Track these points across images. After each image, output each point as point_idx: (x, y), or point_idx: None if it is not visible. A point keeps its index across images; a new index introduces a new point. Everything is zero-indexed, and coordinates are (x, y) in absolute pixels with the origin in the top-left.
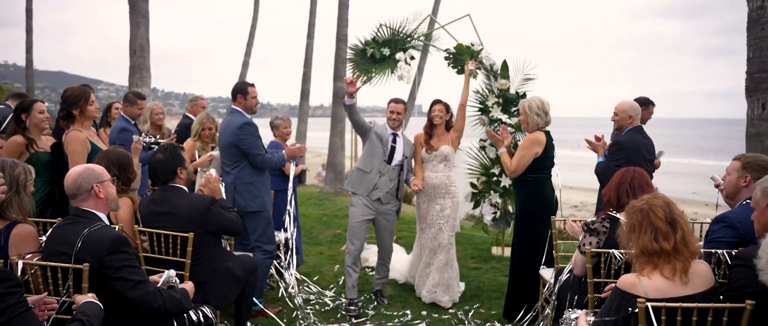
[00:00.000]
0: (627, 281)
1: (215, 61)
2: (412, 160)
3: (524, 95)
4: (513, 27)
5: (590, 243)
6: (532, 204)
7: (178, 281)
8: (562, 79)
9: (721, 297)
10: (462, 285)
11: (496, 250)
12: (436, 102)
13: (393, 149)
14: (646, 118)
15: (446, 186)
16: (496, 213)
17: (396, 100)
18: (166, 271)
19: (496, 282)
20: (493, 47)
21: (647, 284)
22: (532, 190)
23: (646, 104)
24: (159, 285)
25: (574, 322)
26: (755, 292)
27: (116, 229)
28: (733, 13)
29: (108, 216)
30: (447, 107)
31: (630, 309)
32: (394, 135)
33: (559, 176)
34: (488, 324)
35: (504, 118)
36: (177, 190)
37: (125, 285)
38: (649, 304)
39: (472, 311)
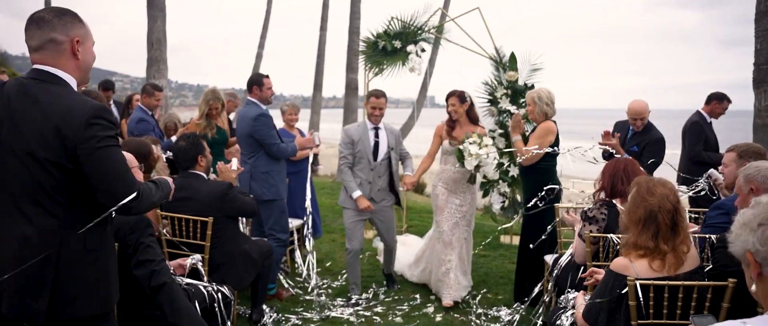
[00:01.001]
0: (619, 263)
1: (228, 53)
2: (401, 149)
3: (532, 86)
4: (524, 18)
5: (590, 231)
6: (540, 191)
7: (201, 268)
8: (574, 69)
9: (707, 275)
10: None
11: (504, 238)
12: (449, 95)
13: (377, 144)
14: (719, 112)
15: (466, 183)
16: (504, 202)
17: (377, 94)
18: (190, 258)
19: (503, 269)
20: (503, 39)
21: (638, 266)
22: (541, 178)
23: (720, 99)
24: (187, 267)
25: (572, 302)
26: (735, 271)
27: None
28: (752, 3)
29: None
30: (461, 98)
31: (618, 290)
32: (376, 128)
33: (566, 167)
34: (495, 307)
35: (513, 108)
36: (197, 177)
37: (132, 260)
38: (637, 282)
39: (480, 296)
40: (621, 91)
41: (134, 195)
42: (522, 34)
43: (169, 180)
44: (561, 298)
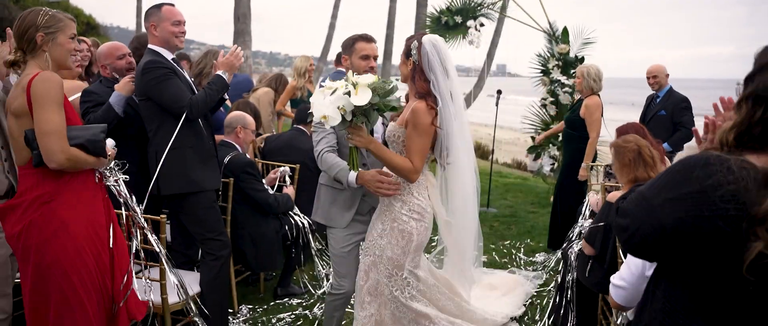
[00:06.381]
0: (613, 195)
1: (303, 22)
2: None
3: (582, 59)
4: None
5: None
6: (580, 157)
7: (288, 180)
8: (661, 38)
9: None
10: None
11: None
12: (362, 39)
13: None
14: None
15: (389, 200)
16: (554, 164)
17: (368, 38)
18: (281, 168)
19: (547, 223)
20: (573, 11)
21: None
22: (582, 145)
23: None
24: (277, 179)
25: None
26: None
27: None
28: None
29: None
30: (407, 50)
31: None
32: None
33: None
34: (536, 254)
35: (563, 79)
36: (302, 132)
37: (250, 191)
38: None
39: (523, 244)
40: (709, 59)
41: (184, 107)
42: (597, 4)
43: (224, 75)
44: (570, 232)
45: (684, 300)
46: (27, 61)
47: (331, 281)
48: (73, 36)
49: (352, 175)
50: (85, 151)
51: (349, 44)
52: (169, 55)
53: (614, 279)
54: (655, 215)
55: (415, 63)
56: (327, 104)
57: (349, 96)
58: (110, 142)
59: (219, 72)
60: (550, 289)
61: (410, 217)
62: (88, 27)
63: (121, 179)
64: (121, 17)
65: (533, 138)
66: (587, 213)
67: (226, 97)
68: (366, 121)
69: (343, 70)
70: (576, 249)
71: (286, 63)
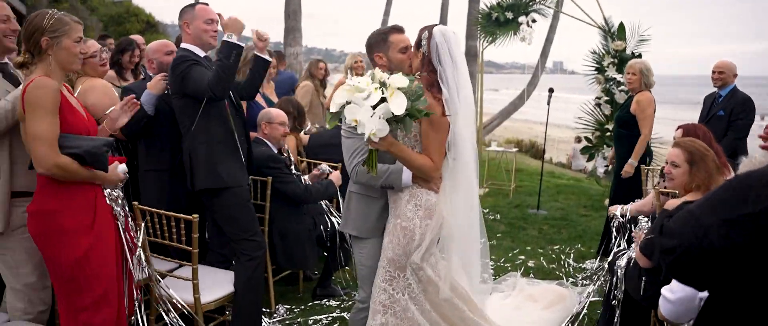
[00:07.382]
0: (672, 202)
1: (356, 18)
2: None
3: (640, 55)
4: None
5: (664, 187)
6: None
7: (328, 172)
8: (709, 32)
9: None
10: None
11: (607, 201)
12: (394, 28)
13: None
14: None
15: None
16: (608, 166)
17: (400, 29)
18: (321, 165)
19: (599, 228)
20: (625, 4)
21: (690, 199)
22: (634, 144)
23: None
24: (319, 178)
25: (632, 245)
26: None
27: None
28: None
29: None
30: (417, 41)
31: None
32: None
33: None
34: (586, 260)
35: (619, 77)
36: None
37: (277, 184)
38: None
39: (574, 250)
40: (757, 55)
41: (205, 88)
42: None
43: (230, 38)
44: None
45: None
46: (35, 62)
47: (357, 294)
48: (78, 39)
49: (407, 174)
50: (80, 161)
51: (381, 40)
52: (201, 53)
53: (664, 290)
54: (706, 238)
55: (424, 54)
56: (370, 117)
57: (385, 101)
58: (122, 168)
59: (224, 37)
60: (597, 301)
61: (415, 214)
62: (148, 25)
63: (119, 199)
64: (166, 14)
65: (587, 138)
66: (629, 223)
67: (247, 100)
68: (401, 127)
69: None
70: (622, 263)
71: (340, 59)
